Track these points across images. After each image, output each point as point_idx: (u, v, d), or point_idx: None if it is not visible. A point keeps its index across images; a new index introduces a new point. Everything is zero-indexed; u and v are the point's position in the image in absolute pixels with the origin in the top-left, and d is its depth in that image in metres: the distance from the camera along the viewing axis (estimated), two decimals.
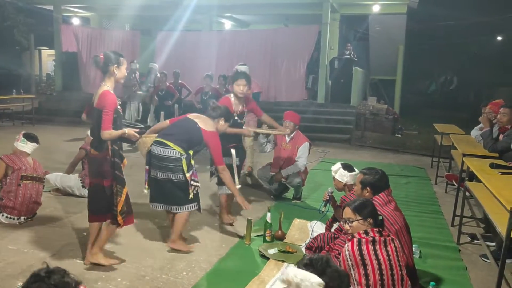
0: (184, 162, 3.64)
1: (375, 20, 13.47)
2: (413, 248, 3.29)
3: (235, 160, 4.45)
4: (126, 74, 3.44)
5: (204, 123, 3.86)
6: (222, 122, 3.98)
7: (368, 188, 3.15)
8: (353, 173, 3.74)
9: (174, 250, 3.76)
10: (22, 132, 4.54)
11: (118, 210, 3.30)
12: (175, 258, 3.64)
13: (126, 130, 3.29)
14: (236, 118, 4.45)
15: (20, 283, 3.10)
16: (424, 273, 3.48)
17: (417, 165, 8.00)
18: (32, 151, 4.50)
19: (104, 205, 3.35)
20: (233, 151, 4.43)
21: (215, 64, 12.22)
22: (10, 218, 4.23)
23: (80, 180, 5.16)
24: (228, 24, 15.87)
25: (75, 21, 15.84)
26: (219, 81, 9.51)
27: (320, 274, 1.65)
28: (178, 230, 3.78)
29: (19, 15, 12.53)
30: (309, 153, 5.46)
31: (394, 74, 13.62)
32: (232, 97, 4.49)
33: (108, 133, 3.19)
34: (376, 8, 12.38)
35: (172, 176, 3.66)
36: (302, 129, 5.61)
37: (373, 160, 8.14)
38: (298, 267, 1.73)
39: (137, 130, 3.45)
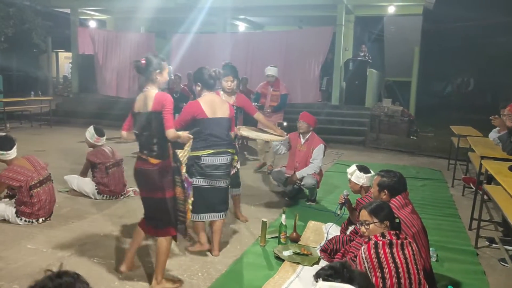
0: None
1: (390, 21, 13.36)
2: (430, 252, 3.25)
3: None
4: (167, 79, 3.25)
5: (224, 99, 4.06)
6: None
7: (385, 190, 3.12)
8: (369, 174, 3.72)
9: (189, 252, 3.78)
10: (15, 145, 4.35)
11: (188, 218, 3.19)
12: (190, 259, 3.66)
13: (180, 132, 3.13)
14: None
15: None
16: (442, 277, 3.44)
17: (433, 168, 7.91)
18: (15, 154, 4.33)
19: (169, 218, 3.12)
20: None
21: None
22: (29, 221, 4.29)
23: (96, 187, 5.20)
24: (242, 26, 15.92)
25: (92, 24, 16.05)
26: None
27: (350, 282, 1.62)
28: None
29: (37, 18, 12.72)
30: (324, 155, 5.44)
31: (409, 76, 13.50)
32: (221, 92, 4.51)
33: (173, 131, 3.00)
34: (391, 9, 12.28)
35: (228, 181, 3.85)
36: (316, 131, 5.59)
37: (388, 162, 8.07)
38: (324, 279, 1.65)
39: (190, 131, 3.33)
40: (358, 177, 3.73)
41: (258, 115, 4.60)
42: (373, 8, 12.96)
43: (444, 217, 5.07)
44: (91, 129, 5.29)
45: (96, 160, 5.17)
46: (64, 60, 23.33)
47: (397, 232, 2.57)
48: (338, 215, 3.94)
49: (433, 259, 3.69)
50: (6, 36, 11.69)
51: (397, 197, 3.05)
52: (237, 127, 4.03)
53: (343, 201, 3.83)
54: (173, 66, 11.24)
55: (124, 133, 3.25)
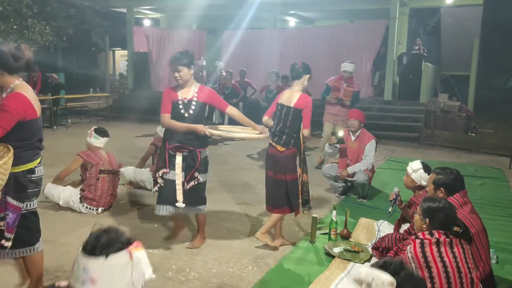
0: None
1: (447, 12, 12.81)
2: (490, 253, 3.10)
3: (180, 173, 3.55)
4: (305, 84, 3.87)
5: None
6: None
7: (442, 188, 3.00)
8: None
9: (238, 245, 3.84)
10: (93, 128, 4.78)
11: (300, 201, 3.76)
12: (241, 253, 3.71)
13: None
14: (180, 107, 3.55)
15: None
16: (502, 280, 3.28)
17: (493, 166, 7.51)
18: (104, 145, 4.76)
19: (283, 198, 3.73)
20: (178, 158, 3.56)
21: (279, 62, 12.26)
22: (90, 208, 4.53)
23: (152, 174, 5.38)
24: (292, 22, 15.84)
25: (146, 23, 16.59)
26: (282, 82, 9.55)
27: (393, 275, 1.61)
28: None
29: (96, 18, 13.32)
30: (376, 151, 5.33)
31: (468, 70, 12.87)
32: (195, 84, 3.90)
33: (308, 131, 3.69)
34: (449, 0, 11.75)
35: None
36: (367, 127, 5.47)
37: (444, 160, 7.76)
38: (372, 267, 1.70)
39: None
40: (420, 176, 3.58)
41: (230, 110, 3.77)
42: (430, 0, 12.47)
43: (505, 217, 4.82)
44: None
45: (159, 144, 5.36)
46: (120, 58, 24.26)
47: (447, 232, 2.46)
48: (390, 212, 3.84)
49: (493, 261, 3.51)
50: (68, 36, 12.33)
51: (455, 196, 2.92)
52: (206, 126, 3.47)
53: (394, 198, 3.73)
54: (223, 63, 11.41)
55: (265, 118, 3.93)
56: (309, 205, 3.90)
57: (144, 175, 5.43)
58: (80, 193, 4.57)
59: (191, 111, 3.54)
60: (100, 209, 4.57)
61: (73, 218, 4.43)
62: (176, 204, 3.54)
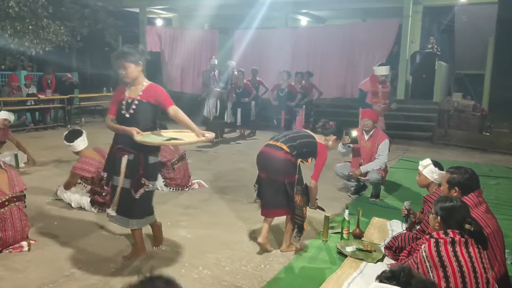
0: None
1: (462, 10, 12.66)
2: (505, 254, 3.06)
3: (122, 177, 3.29)
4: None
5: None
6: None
7: (456, 188, 2.98)
8: (443, 172, 3.56)
9: (251, 244, 3.85)
10: (63, 137, 4.73)
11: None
12: (253, 251, 3.72)
13: None
14: (123, 107, 3.32)
15: (112, 264, 3.38)
16: None
17: (509, 166, 7.41)
18: (86, 142, 4.72)
19: (281, 200, 3.59)
20: (123, 161, 3.29)
21: (291, 61, 12.25)
22: (102, 210, 4.55)
23: (163, 181, 5.42)
24: (304, 20, 15.79)
25: (159, 22, 16.68)
26: (296, 78, 9.53)
27: (405, 286, 1.59)
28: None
29: (110, 18, 13.45)
30: (389, 150, 5.30)
31: (482, 68, 12.69)
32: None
33: (316, 184, 3.75)
34: None
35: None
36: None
37: (457, 160, 7.68)
38: (380, 281, 1.67)
39: None
40: (431, 172, 3.58)
41: (172, 110, 3.31)
42: None
43: None
44: None
45: (162, 159, 5.37)
46: None
47: (461, 232, 2.44)
48: (407, 228, 3.84)
49: (508, 262, 3.47)
50: (82, 36, 12.47)
51: (469, 195, 2.90)
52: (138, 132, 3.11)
53: (406, 213, 3.77)
54: (235, 62, 11.43)
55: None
56: (301, 233, 3.71)
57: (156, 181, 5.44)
58: (89, 196, 4.61)
59: (131, 111, 3.27)
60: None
61: (87, 216, 4.49)
62: (107, 210, 3.33)
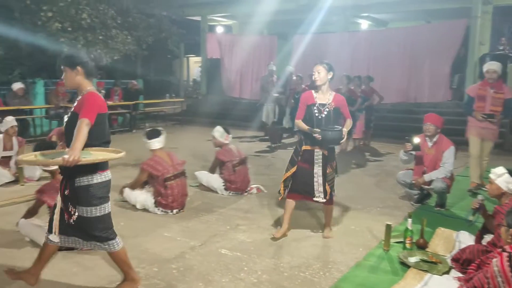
0: None
1: None
2: None
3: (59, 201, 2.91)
4: None
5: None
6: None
7: None
8: None
9: (310, 249, 3.83)
10: (145, 133, 4.97)
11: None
12: (312, 258, 3.69)
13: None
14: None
15: (173, 265, 3.48)
16: None
17: None
18: (163, 143, 4.89)
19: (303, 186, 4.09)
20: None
21: (350, 65, 12.05)
22: (165, 211, 4.74)
23: (223, 183, 5.53)
24: (365, 24, 15.50)
25: (219, 30, 17.08)
26: (354, 82, 9.39)
27: None
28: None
29: (173, 27, 13.96)
30: (455, 158, 5.05)
31: None
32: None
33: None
34: None
35: None
36: (445, 132, 5.19)
37: None
38: None
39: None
40: (506, 181, 3.37)
41: (78, 121, 2.67)
42: None
43: None
44: (219, 128, 5.64)
45: (224, 158, 5.50)
46: (194, 65, 25.16)
47: None
48: (470, 221, 3.63)
49: None
50: (147, 45, 13.04)
51: None
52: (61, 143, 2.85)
53: (478, 207, 3.52)
54: (294, 67, 11.43)
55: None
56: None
57: (216, 182, 5.58)
58: (154, 199, 4.78)
59: (64, 123, 2.90)
60: (175, 211, 4.77)
61: (150, 218, 4.67)
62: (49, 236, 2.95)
